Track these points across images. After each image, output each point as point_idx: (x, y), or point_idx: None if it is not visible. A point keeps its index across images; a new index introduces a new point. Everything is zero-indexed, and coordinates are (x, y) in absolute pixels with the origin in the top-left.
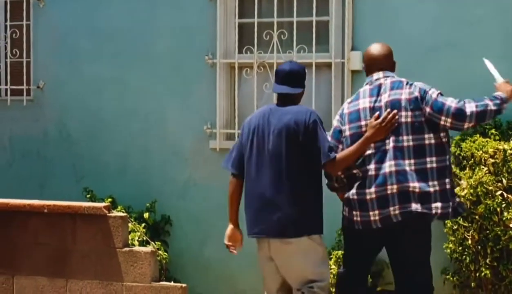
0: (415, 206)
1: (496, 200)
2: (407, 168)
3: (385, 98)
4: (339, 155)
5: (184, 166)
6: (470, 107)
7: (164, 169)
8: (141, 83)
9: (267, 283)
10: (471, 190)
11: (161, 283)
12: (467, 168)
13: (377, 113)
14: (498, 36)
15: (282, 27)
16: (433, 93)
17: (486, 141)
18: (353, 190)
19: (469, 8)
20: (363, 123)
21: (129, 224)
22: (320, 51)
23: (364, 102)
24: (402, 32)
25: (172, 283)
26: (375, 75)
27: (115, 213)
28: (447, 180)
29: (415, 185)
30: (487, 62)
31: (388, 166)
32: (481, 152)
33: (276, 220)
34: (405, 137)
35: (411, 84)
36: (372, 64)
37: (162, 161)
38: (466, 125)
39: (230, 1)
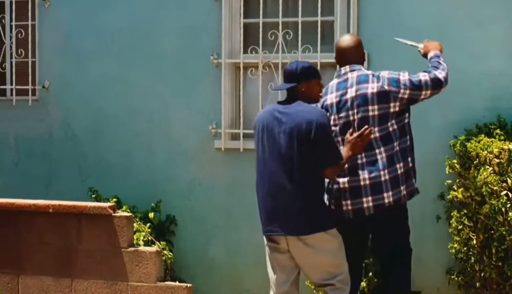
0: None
1: (501, 200)
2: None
3: (351, 92)
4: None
5: (189, 166)
6: (440, 73)
7: (169, 169)
8: (146, 82)
9: (276, 273)
10: (476, 190)
11: (166, 283)
12: (472, 168)
13: (350, 129)
14: (505, 36)
15: (287, 27)
16: (404, 76)
17: (491, 141)
18: (342, 179)
19: (475, 8)
20: (331, 118)
21: (134, 224)
22: (325, 51)
23: (332, 98)
24: (408, 32)
25: (177, 283)
26: (343, 69)
27: (120, 213)
28: (409, 159)
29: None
30: (400, 40)
31: (360, 158)
32: (486, 152)
33: (290, 218)
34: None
35: (378, 77)
36: (341, 57)
37: (167, 161)
38: (442, 90)
39: (235, 1)
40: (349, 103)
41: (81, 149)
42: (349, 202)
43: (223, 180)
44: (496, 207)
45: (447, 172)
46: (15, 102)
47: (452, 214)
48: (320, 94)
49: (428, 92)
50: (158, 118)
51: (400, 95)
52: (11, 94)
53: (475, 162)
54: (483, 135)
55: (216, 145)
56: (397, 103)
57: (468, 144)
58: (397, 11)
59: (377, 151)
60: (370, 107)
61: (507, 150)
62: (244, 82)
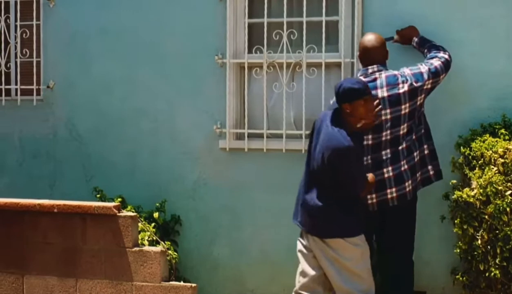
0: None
1: (506, 200)
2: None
3: (382, 92)
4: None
5: (194, 165)
6: (445, 53)
7: (174, 169)
8: (151, 82)
9: (305, 268)
10: (481, 190)
11: (171, 282)
12: (476, 168)
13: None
14: (508, 35)
15: (291, 27)
16: (424, 68)
17: (496, 141)
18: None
19: (477, 8)
20: None
21: (139, 224)
22: (329, 51)
23: None
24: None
25: (182, 283)
26: (370, 69)
27: (125, 212)
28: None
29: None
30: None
31: (385, 154)
32: (490, 152)
33: (309, 218)
34: (402, 126)
35: (405, 77)
36: (366, 55)
37: (172, 161)
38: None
39: (240, 1)
40: (381, 104)
41: (85, 149)
42: (373, 195)
43: (227, 180)
44: (501, 207)
45: (451, 172)
46: (20, 102)
47: (456, 214)
48: (373, 112)
49: (444, 75)
50: (163, 118)
51: (425, 87)
52: (16, 94)
53: (480, 162)
54: (488, 135)
55: (220, 145)
56: (423, 95)
57: (473, 144)
58: (401, 11)
59: (399, 147)
60: (402, 106)
61: (511, 150)
62: (249, 82)
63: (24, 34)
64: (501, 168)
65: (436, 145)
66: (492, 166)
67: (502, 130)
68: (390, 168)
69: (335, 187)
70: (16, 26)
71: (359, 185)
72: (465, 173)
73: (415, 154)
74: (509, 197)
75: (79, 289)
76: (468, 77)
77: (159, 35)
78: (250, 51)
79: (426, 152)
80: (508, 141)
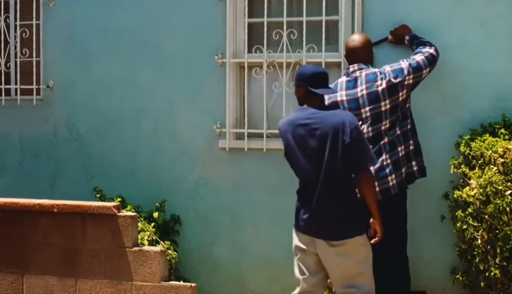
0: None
1: (506, 199)
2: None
3: (362, 91)
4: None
5: (194, 165)
6: (430, 48)
7: (174, 169)
8: (151, 82)
9: (301, 272)
10: (481, 190)
11: (171, 282)
12: (476, 168)
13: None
14: (509, 36)
15: (291, 27)
16: (405, 64)
17: (496, 140)
18: None
19: (479, 7)
20: None
21: (139, 224)
22: (329, 50)
23: (342, 95)
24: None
25: (181, 283)
26: (351, 68)
27: (124, 212)
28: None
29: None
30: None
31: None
32: (490, 151)
33: (320, 223)
34: (383, 122)
35: (384, 73)
36: (349, 55)
37: (172, 161)
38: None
39: (239, 0)
40: (360, 101)
41: (85, 149)
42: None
43: (227, 180)
44: (501, 207)
45: (451, 172)
46: (20, 102)
47: (456, 213)
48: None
49: (427, 70)
50: (163, 118)
51: (406, 83)
52: (16, 94)
53: (479, 161)
54: (487, 135)
55: (220, 144)
56: (405, 91)
57: (473, 144)
58: (401, 10)
59: (381, 142)
60: (382, 103)
61: (511, 150)
62: (248, 82)
63: (24, 34)
64: (501, 168)
65: (436, 144)
66: (492, 166)
67: (502, 130)
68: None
69: (346, 177)
70: (16, 25)
71: (373, 161)
72: (465, 172)
73: (399, 148)
74: (509, 197)
75: (79, 289)
76: (469, 77)
77: (159, 35)
78: (250, 51)
79: (411, 147)
80: (508, 141)
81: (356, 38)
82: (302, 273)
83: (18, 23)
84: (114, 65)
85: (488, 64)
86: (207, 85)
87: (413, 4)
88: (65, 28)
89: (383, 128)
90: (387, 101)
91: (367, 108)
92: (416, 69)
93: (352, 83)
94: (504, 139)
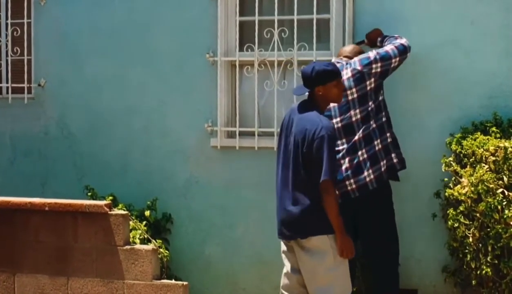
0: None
1: (497, 198)
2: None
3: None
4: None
5: (185, 164)
6: (401, 40)
7: (166, 167)
8: (142, 81)
9: (285, 265)
10: (472, 188)
11: (162, 281)
12: (468, 166)
13: None
14: (500, 34)
15: (282, 25)
16: (372, 53)
17: (487, 139)
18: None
19: (470, 6)
20: None
21: (130, 222)
22: (321, 48)
23: None
24: (403, 30)
25: (173, 281)
26: (332, 60)
27: (116, 211)
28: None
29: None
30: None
31: (340, 143)
32: (482, 150)
33: (286, 222)
34: (352, 112)
35: (349, 63)
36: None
37: (164, 159)
38: (408, 55)
39: None
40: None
41: (77, 148)
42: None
43: (219, 178)
44: (492, 205)
45: (443, 170)
46: (11, 100)
47: (448, 212)
48: (342, 95)
49: (397, 59)
50: (155, 117)
51: (373, 71)
52: (7, 92)
53: (471, 160)
54: (479, 133)
55: (212, 143)
56: (372, 79)
57: (464, 142)
58: (393, 9)
59: (355, 138)
60: (348, 92)
61: (503, 148)
62: (240, 80)
63: (15, 32)
64: (492, 166)
65: (427, 143)
66: (484, 164)
67: (493, 128)
68: (346, 159)
69: (309, 181)
70: (7, 24)
71: (326, 174)
72: (457, 171)
73: (375, 142)
74: (500, 195)
75: (70, 287)
76: (460, 75)
77: (150, 33)
78: (241, 49)
79: (389, 140)
80: (499, 139)
81: (348, 49)
82: (285, 268)
83: (9, 21)
84: (105, 63)
85: (479, 63)
86: (198, 83)
87: (404, 2)
88: (56, 27)
89: (353, 118)
90: (353, 90)
91: None
92: (384, 58)
93: None
94: (496, 138)
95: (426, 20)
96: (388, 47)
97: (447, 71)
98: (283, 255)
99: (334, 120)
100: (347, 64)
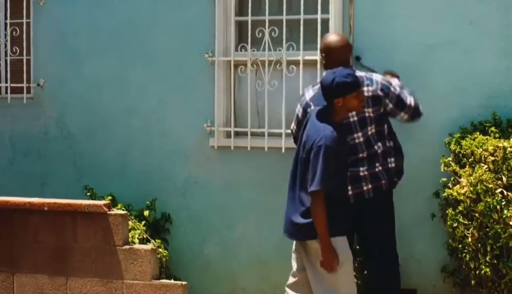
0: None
1: (496, 198)
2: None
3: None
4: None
5: (184, 164)
6: (420, 106)
7: (165, 167)
8: (141, 81)
9: (294, 267)
10: (471, 188)
11: (161, 281)
12: (467, 166)
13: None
14: (499, 34)
15: (282, 25)
16: (395, 89)
17: (486, 139)
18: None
19: (470, 6)
20: None
21: (129, 222)
22: (308, 49)
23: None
24: (403, 30)
25: (172, 281)
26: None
27: (115, 211)
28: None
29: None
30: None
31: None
32: (481, 150)
33: (288, 222)
34: (368, 128)
35: (371, 80)
36: (338, 56)
37: (163, 159)
38: (418, 120)
39: None
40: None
41: (76, 148)
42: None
43: (218, 178)
44: (491, 205)
45: (442, 170)
46: (10, 100)
47: (447, 212)
48: (361, 105)
49: (406, 116)
50: (154, 117)
51: (386, 102)
52: (6, 92)
53: (470, 160)
54: (478, 133)
55: (211, 143)
56: (383, 108)
57: (463, 142)
58: (390, 9)
59: (375, 146)
60: (365, 109)
61: (502, 148)
62: (238, 80)
63: (14, 32)
64: (491, 166)
65: (426, 143)
66: (483, 164)
67: (493, 128)
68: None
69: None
70: (6, 24)
71: (314, 185)
72: (456, 171)
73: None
74: (499, 195)
75: (69, 287)
76: (459, 75)
77: (150, 33)
78: (240, 50)
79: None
80: (498, 139)
81: (340, 39)
82: (293, 267)
83: (8, 21)
84: (104, 63)
85: (478, 63)
86: (197, 83)
87: (402, 2)
88: (55, 27)
89: (369, 132)
90: (370, 110)
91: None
92: (399, 105)
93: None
94: (495, 138)
95: (425, 20)
96: (409, 98)
97: (446, 71)
98: (293, 255)
99: (355, 135)
100: (366, 78)
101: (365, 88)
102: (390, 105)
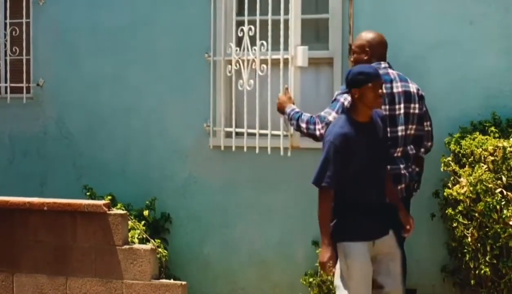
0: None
1: (496, 197)
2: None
3: (397, 87)
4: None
5: (184, 163)
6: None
7: (164, 167)
8: (141, 81)
9: None
10: (471, 188)
11: (161, 280)
12: (466, 166)
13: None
14: (499, 34)
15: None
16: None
17: (486, 138)
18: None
19: (470, 6)
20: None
21: (129, 222)
22: (320, 48)
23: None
24: (402, 30)
25: (172, 281)
26: (383, 64)
27: (115, 210)
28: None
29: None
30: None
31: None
32: (480, 149)
33: None
34: (410, 126)
35: (400, 76)
36: (376, 51)
37: (162, 159)
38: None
39: None
40: (396, 97)
41: (76, 147)
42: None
43: (218, 178)
44: (491, 205)
45: (442, 170)
46: (10, 100)
47: (447, 211)
48: (378, 100)
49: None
50: (153, 116)
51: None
52: (6, 92)
53: (469, 159)
54: (477, 133)
55: (210, 143)
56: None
57: (463, 142)
58: (390, 9)
59: (408, 147)
60: (412, 105)
61: (501, 148)
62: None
63: (13, 32)
64: (491, 166)
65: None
66: (482, 164)
67: (492, 128)
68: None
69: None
70: (5, 23)
71: (316, 179)
72: (455, 170)
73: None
74: (499, 195)
75: (69, 287)
76: (459, 75)
77: (149, 33)
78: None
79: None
80: (498, 139)
81: (381, 35)
82: None
83: (8, 21)
84: (104, 63)
85: (478, 62)
86: (197, 83)
87: (402, 2)
88: (55, 27)
89: (409, 132)
90: (417, 106)
91: (402, 105)
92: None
93: (388, 78)
94: (494, 137)
95: (425, 20)
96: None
97: (446, 71)
98: None
99: (399, 128)
100: (398, 76)
101: (411, 84)
102: (424, 108)
